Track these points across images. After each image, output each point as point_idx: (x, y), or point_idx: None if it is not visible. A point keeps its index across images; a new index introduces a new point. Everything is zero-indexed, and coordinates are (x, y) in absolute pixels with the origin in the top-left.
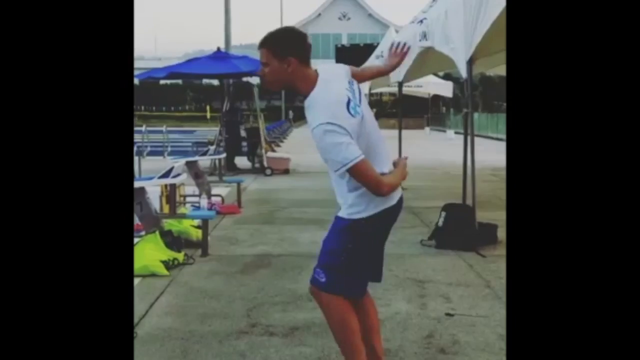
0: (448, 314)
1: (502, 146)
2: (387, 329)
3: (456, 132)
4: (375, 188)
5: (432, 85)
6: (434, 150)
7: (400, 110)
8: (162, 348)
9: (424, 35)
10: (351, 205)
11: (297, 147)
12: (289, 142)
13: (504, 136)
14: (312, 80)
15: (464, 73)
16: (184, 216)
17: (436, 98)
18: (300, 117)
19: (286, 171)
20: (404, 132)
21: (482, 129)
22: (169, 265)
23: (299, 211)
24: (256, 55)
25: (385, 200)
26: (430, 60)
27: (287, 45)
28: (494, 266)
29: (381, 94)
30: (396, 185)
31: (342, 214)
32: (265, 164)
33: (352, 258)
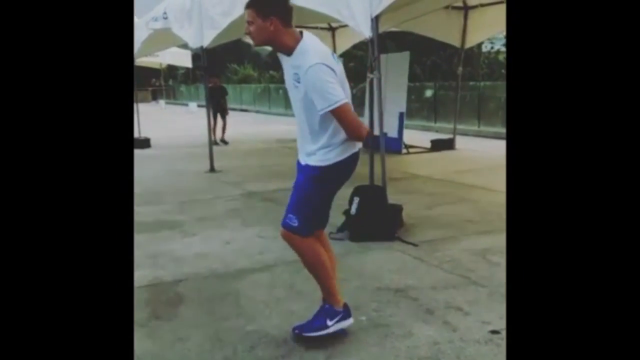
0: (494, 332)
1: (243, 116)
2: None
3: (199, 105)
4: (356, 128)
5: (169, 55)
6: (198, 124)
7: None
8: None
9: None
10: (324, 153)
11: None
12: None
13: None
14: (297, 37)
15: (366, 32)
16: None
17: (171, 69)
18: None
19: None
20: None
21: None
22: None
23: None
24: None
25: (351, 147)
26: None
27: (270, 6)
28: (441, 255)
29: None
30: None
31: (314, 162)
32: None
33: (323, 201)
